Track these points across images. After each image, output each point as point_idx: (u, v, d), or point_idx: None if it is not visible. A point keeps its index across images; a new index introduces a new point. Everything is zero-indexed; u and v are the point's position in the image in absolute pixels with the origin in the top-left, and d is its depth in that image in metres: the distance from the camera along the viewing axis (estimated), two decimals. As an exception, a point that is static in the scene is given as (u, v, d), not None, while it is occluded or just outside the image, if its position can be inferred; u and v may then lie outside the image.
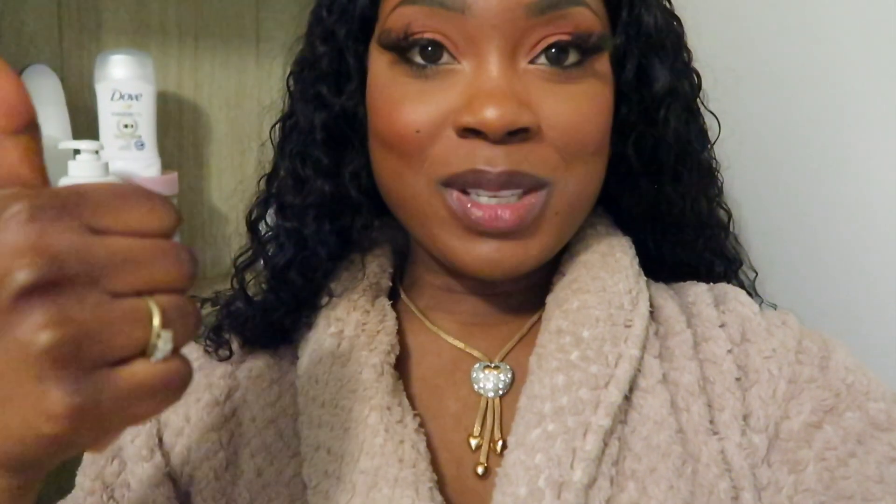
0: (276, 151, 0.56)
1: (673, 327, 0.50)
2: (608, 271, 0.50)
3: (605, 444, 0.44)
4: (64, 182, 0.80)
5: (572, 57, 0.46)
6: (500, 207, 0.45)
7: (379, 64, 0.49)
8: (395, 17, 0.47)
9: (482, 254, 0.46)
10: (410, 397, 0.50)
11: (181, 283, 0.30)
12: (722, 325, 0.51)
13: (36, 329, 0.26)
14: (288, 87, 0.56)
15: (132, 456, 0.51)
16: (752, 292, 0.59)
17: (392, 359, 0.50)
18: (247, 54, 1.08)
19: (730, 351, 0.49)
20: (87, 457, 0.53)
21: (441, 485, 0.46)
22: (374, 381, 0.48)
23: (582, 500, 0.42)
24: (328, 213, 0.53)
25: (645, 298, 0.50)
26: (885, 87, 0.59)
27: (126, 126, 0.90)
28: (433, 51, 0.46)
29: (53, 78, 0.86)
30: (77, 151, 0.82)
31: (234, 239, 1.11)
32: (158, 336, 0.29)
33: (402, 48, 0.47)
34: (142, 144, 0.91)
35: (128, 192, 0.30)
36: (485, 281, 0.50)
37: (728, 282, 0.58)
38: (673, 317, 0.51)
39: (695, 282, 0.55)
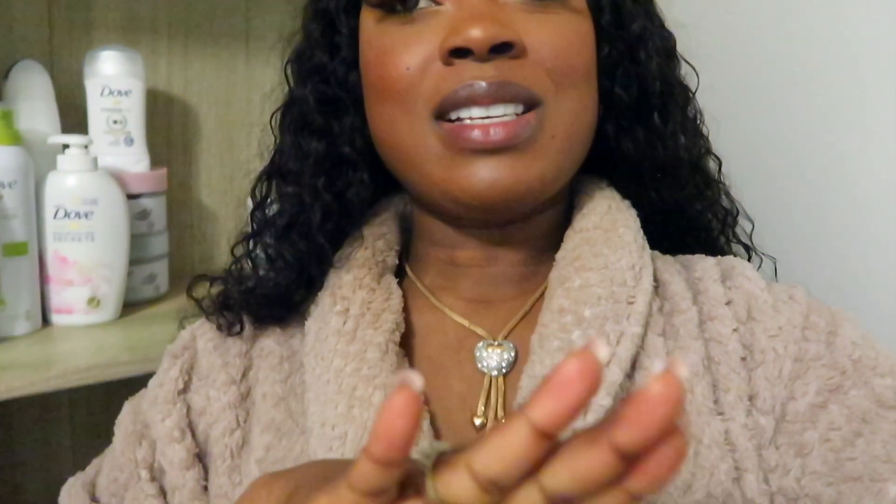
0: (277, 133, 0.58)
1: (679, 304, 0.50)
2: (611, 247, 0.50)
3: None
4: (52, 177, 0.81)
5: None
6: (492, 126, 0.46)
7: (368, 24, 0.51)
8: None
9: (479, 174, 0.46)
10: None
11: None
12: (728, 303, 0.50)
13: None
14: (286, 75, 0.58)
15: (163, 436, 0.52)
16: (749, 245, 0.61)
17: (397, 337, 0.51)
18: (236, 52, 1.09)
19: (735, 330, 0.49)
20: (121, 436, 0.55)
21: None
22: (379, 360, 0.49)
23: None
24: (324, 171, 0.54)
25: (648, 274, 0.50)
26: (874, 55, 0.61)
27: (115, 122, 0.90)
28: None
29: (43, 74, 0.86)
30: (66, 146, 0.83)
31: (223, 236, 1.12)
32: None
33: (387, 2, 0.49)
34: (131, 140, 0.91)
35: None
36: (488, 211, 0.49)
37: (726, 234, 0.59)
38: (679, 293, 0.51)
39: (702, 255, 0.55)
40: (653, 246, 0.54)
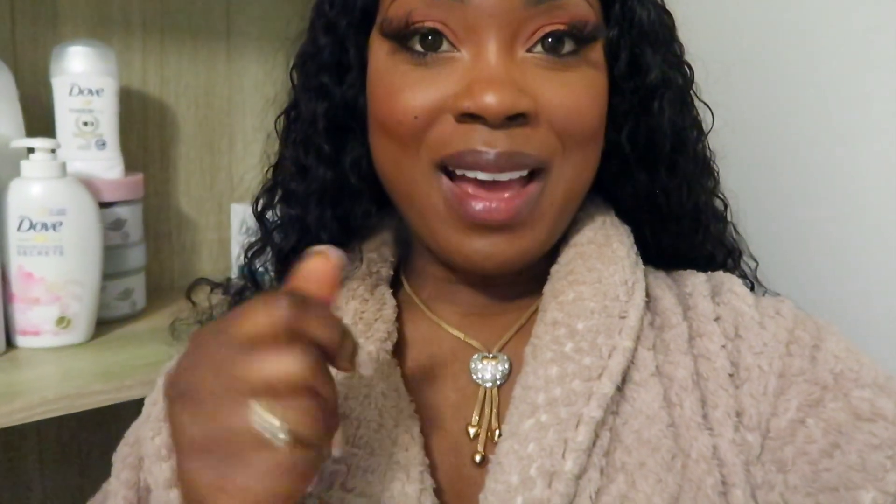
0: (280, 142, 0.58)
1: (669, 319, 0.51)
2: (604, 262, 0.51)
3: (597, 436, 0.45)
4: (16, 184, 0.73)
5: (568, 46, 0.48)
6: (495, 200, 0.46)
7: (379, 53, 0.50)
8: (396, 7, 0.48)
9: (477, 248, 0.48)
10: (410, 386, 0.51)
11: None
12: (717, 319, 0.51)
13: None
14: (291, 79, 0.57)
15: (151, 454, 0.50)
16: (753, 282, 0.61)
17: (389, 346, 0.52)
18: (216, 50, 1.01)
19: (724, 346, 0.49)
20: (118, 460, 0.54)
21: (439, 472, 0.48)
22: (369, 369, 0.49)
23: (572, 490, 0.43)
24: (330, 199, 0.55)
25: (641, 289, 0.51)
26: (879, 78, 0.62)
27: (85, 123, 0.82)
28: (433, 39, 0.47)
29: (4, 70, 0.78)
30: (30, 150, 0.75)
31: (204, 246, 1.05)
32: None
33: (402, 37, 0.48)
34: (103, 144, 0.83)
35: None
36: (482, 275, 0.51)
37: (731, 272, 0.58)
38: (670, 308, 0.51)
39: (693, 271, 0.55)
40: (646, 261, 0.55)
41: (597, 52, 0.49)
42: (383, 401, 0.49)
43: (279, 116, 0.58)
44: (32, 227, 0.73)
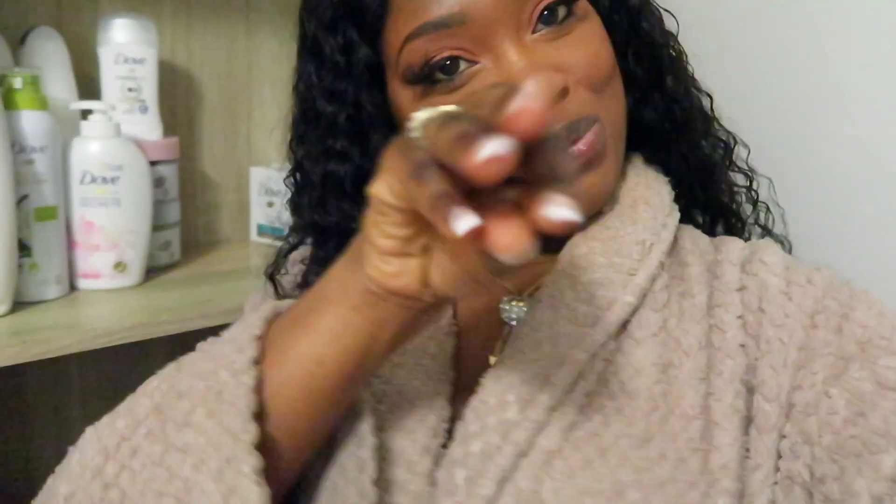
0: (294, 147, 0.61)
1: (692, 288, 0.52)
2: (623, 221, 0.54)
3: (583, 377, 0.48)
4: (77, 143, 0.81)
5: (562, 12, 0.52)
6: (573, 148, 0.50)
7: (404, 99, 0.54)
8: (408, 54, 0.51)
9: (572, 192, 0.50)
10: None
11: None
12: (740, 289, 0.52)
13: None
14: (291, 148, 0.61)
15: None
16: (766, 228, 0.64)
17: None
18: (237, 24, 1.10)
19: (740, 317, 0.51)
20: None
21: (463, 390, 0.52)
22: None
23: (542, 419, 0.47)
24: (355, 195, 0.57)
25: (660, 251, 0.53)
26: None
27: (130, 90, 0.91)
28: (451, 64, 0.51)
29: (58, 40, 0.86)
30: (86, 112, 0.83)
31: (225, 207, 1.14)
32: None
33: (425, 76, 0.51)
34: (146, 108, 0.92)
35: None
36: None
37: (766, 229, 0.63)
38: (695, 277, 0.53)
39: (735, 238, 0.57)
40: (691, 221, 0.59)
41: (584, 2, 0.53)
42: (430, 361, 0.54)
43: (286, 178, 0.62)
44: (94, 180, 0.81)
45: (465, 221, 0.29)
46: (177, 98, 1.06)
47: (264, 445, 0.43)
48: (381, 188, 0.36)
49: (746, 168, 0.65)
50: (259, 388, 0.44)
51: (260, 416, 0.44)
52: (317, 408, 0.46)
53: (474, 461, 0.47)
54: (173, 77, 1.05)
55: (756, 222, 0.64)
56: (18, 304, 0.76)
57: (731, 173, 0.64)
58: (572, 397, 0.48)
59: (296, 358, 0.44)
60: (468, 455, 0.47)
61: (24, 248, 0.76)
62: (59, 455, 0.49)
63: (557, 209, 0.29)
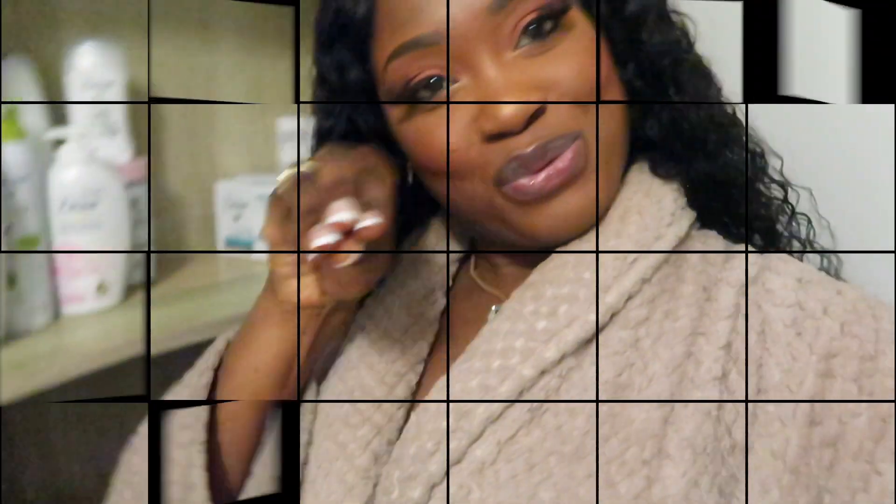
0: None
1: (678, 310, 0.50)
2: (606, 235, 0.52)
3: (528, 392, 0.49)
4: (54, 170, 0.83)
5: (548, 25, 0.50)
6: (549, 168, 0.49)
7: (393, 118, 0.55)
8: (390, 73, 0.52)
9: (554, 213, 0.51)
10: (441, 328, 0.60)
11: None
12: (729, 317, 0.49)
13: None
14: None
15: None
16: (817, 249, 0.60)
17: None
18: (192, 40, 1.11)
19: (723, 347, 0.48)
20: None
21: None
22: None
23: (476, 430, 0.49)
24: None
25: (645, 266, 0.51)
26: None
27: (98, 115, 0.92)
28: (434, 82, 0.51)
29: (29, 68, 0.87)
30: (60, 140, 0.84)
31: (191, 223, 1.15)
32: None
33: (409, 95, 0.52)
34: (115, 130, 0.94)
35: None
36: (560, 240, 0.53)
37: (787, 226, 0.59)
38: (685, 297, 0.51)
39: (749, 251, 0.52)
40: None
41: (574, 14, 0.51)
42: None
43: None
44: (73, 207, 0.83)
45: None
46: (139, 118, 1.07)
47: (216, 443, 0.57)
48: (265, 231, 0.50)
49: (781, 179, 0.59)
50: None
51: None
52: (256, 406, 0.57)
53: (407, 463, 0.50)
54: (134, 96, 1.06)
55: (793, 235, 0.59)
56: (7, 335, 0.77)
57: (768, 184, 0.59)
58: (512, 412, 0.49)
59: (239, 370, 0.57)
60: (402, 456, 0.51)
61: (10, 279, 0.77)
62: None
63: (317, 242, 0.43)
